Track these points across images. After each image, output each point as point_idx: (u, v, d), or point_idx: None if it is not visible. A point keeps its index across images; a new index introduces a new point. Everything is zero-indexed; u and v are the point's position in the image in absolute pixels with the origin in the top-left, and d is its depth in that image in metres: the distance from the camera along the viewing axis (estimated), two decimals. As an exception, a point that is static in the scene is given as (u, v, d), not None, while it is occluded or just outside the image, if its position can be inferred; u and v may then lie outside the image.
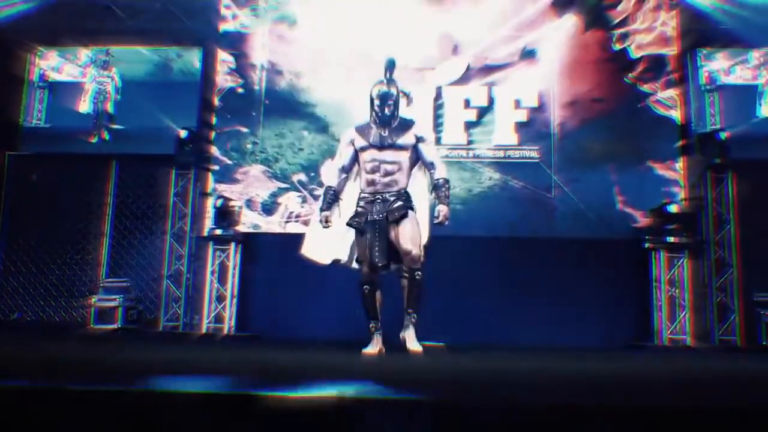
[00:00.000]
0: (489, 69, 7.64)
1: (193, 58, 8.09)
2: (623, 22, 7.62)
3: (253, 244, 7.54)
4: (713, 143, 7.23)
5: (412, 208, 4.39)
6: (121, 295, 7.10)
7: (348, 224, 4.42)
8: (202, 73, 7.97)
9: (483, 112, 7.62)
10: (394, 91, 4.43)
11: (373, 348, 4.36)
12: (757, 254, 7.13)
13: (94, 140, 8.05)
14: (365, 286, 4.40)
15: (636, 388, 2.63)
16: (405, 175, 4.44)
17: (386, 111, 4.40)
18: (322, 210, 4.49)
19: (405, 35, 7.58)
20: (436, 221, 4.36)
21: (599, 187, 7.37)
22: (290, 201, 7.61)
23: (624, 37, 7.60)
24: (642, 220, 7.27)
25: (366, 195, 4.42)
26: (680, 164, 7.42)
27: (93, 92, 8.17)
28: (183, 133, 7.43)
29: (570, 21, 7.67)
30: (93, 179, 8.02)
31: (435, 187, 4.45)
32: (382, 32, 7.54)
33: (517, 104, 7.60)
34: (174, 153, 7.47)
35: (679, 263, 7.15)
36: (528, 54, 7.66)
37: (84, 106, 8.16)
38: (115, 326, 6.97)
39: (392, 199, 4.34)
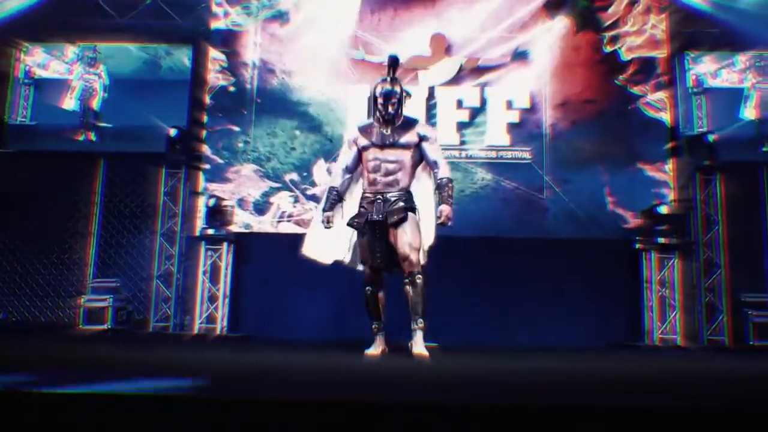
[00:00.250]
0: (481, 70, 7.67)
1: (183, 55, 7.98)
2: (614, 25, 7.69)
3: (244, 243, 7.47)
4: (701, 145, 7.33)
5: (413, 209, 4.33)
6: (111, 295, 7.01)
7: (348, 225, 4.39)
8: (192, 71, 7.86)
9: (475, 112, 7.64)
10: (397, 89, 4.36)
11: (376, 349, 4.35)
12: (745, 255, 7.25)
13: (80, 138, 7.93)
14: (368, 287, 4.38)
15: (627, 388, 2.66)
16: (407, 175, 4.37)
17: (390, 109, 4.33)
18: (324, 210, 4.44)
19: (399, 35, 7.59)
20: (438, 221, 4.28)
21: (590, 188, 7.43)
22: (282, 201, 7.55)
23: (615, 39, 7.67)
24: (632, 221, 7.34)
25: (368, 195, 4.37)
26: (669, 166, 7.51)
27: (80, 90, 8.03)
28: (173, 132, 7.33)
29: (562, 23, 7.73)
30: (80, 177, 7.89)
31: (438, 186, 4.37)
32: (375, 32, 7.53)
33: (509, 105, 7.63)
34: (165, 151, 7.37)
35: (670, 264, 7.23)
36: (520, 55, 7.70)
37: (70, 103, 8.02)
38: (104, 327, 6.88)
39: (393, 199, 4.28)
